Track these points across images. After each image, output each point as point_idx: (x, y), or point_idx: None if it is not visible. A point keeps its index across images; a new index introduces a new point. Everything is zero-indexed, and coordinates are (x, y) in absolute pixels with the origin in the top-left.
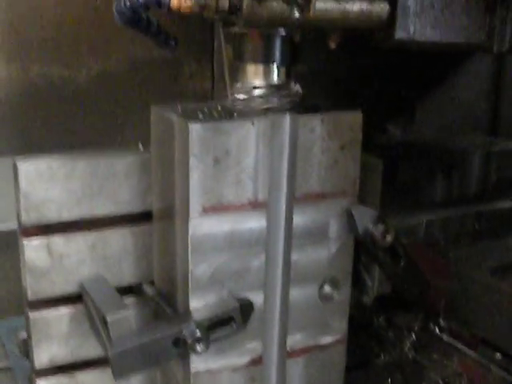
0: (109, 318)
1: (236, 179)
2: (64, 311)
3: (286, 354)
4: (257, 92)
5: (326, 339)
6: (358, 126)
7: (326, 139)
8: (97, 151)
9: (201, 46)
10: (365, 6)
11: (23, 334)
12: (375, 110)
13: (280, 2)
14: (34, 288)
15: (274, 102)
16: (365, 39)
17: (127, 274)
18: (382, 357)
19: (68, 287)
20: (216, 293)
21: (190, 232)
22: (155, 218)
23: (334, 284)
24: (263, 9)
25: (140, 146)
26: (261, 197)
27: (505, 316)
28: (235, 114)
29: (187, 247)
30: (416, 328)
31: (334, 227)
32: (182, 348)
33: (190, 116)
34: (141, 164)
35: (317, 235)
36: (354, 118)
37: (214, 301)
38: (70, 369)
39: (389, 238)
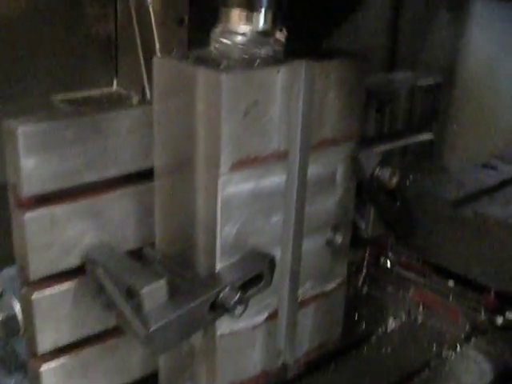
0: (143, 290)
1: (263, 130)
2: (67, 286)
3: (297, 305)
4: (240, 39)
5: (331, 285)
6: (366, 70)
7: (339, 84)
8: (93, 109)
9: None
10: None
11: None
12: None
13: None
14: (36, 265)
15: (260, 49)
16: None
17: (130, 239)
18: None
19: (71, 260)
20: (240, 251)
21: (220, 190)
22: (160, 175)
23: (338, 229)
24: None
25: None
26: (283, 147)
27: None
28: (257, 62)
29: (215, 206)
30: (366, 263)
31: (341, 173)
32: (218, 313)
33: (213, 66)
34: (143, 118)
35: (326, 183)
36: (363, 64)
37: (238, 259)
38: (74, 348)
39: (395, 180)
